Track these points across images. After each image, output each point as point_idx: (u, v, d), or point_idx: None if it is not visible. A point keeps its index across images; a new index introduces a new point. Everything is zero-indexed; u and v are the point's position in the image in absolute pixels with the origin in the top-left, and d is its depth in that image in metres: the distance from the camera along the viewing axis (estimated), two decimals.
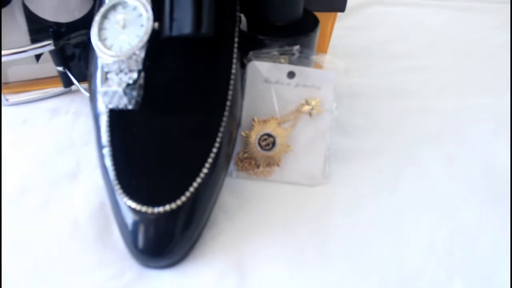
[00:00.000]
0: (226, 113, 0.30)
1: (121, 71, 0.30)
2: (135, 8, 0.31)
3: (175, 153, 0.29)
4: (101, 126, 0.31)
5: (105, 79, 0.31)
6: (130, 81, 0.29)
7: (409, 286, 0.29)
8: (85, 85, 0.40)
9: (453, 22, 0.59)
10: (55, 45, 0.39)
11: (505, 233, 0.32)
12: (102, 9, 0.31)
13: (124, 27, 0.31)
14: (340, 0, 0.41)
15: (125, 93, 0.29)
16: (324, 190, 0.35)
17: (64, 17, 0.42)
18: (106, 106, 0.30)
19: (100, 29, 0.31)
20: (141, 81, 0.30)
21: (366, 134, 0.40)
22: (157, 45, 0.30)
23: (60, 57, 0.39)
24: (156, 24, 0.30)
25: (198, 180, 0.28)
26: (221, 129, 0.30)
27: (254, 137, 0.34)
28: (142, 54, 0.30)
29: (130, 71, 0.30)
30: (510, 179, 0.37)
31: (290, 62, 0.35)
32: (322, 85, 0.35)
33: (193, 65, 0.31)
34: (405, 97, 0.45)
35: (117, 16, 0.31)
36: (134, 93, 0.29)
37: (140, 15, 0.30)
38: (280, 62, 0.35)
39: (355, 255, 0.31)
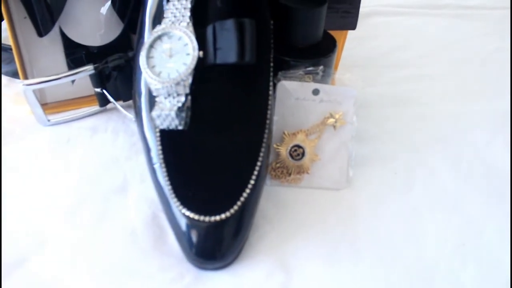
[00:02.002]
0: (266, 130, 0.34)
1: (169, 95, 0.33)
2: (180, 38, 0.34)
3: (224, 167, 0.33)
4: (152, 145, 0.35)
5: (155, 102, 0.34)
6: (179, 104, 0.33)
7: (429, 273, 0.33)
8: (120, 102, 0.44)
9: (448, 30, 0.64)
10: (95, 68, 0.42)
11: (507, 225, 0.37)
12: (149, 40, 0.34)
13: (171, 56, 0.34)
14: (351, 19, 0.45)
15: (176, 115, 0.33)
16: (348, 193, 0.39)
17: (96, 41, 0.45)
18: (157, 127, 0.34)
19: (148, 57, 0.34)
20: (189, 103, 0.34)
21: (379, 141, 0.44)
22: (201, 71, 0.34)
23: (99, 79, 0.42)
24: (201, 53, 0.33)
25: (247, 191, 0.32)
26: (263, 144, 0.34)
27: (285, 149, 0.38)
28: (189, 80, 0.33)
29: (178, 95, 0.33)
30: (510, 177, 0.41)
31: (315, 80, 0.39)
32: (344, 100, 0.39)
33: (235, 88, 0.35)
34: (410, 104, 0.50)
35: (164, 46, 0.34)
36: (183, 114, 0.33)
37: (186, 44, 0.34)
38: (305, 81, 0.39)
39: (381, 248, 0.35)
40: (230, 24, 0.33)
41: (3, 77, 0.50)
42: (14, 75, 0.50)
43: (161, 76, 0.34)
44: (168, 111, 0.32)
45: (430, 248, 0.35)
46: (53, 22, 0.43)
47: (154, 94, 0.34)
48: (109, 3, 0.44)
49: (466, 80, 0.54)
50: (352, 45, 0.57)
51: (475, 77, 0.54)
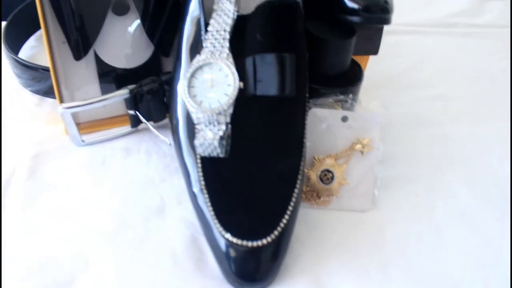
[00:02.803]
0: (303, 158, 0.36)
1: (210, 123, 0.35)
2: (221, 69, 0.36)
3: (263, 193, 0.35)
4: (192, 171, 0.37)
5: (194, 129, 0.36)
6: (221, 133, 0.35)
7: None
8: (152, 123, 0.45)
9: (458, 49, 0.66)
10: (130, 92, 0.43)
11: None
12: (190, 70, 0.36)
13: (212, 86, 0.36)
14: (373, 44, 0.47)
15: (218, 144, 0.34)
16: (374, 215, 0.41)
17: (128, 64, 0.47)
18: (199, 154, 0.36)
19: (189, 87, 0.36)
20: (229, 131, 0.35)
21: (401, 162, 0.46)
22: (241, 100, 0.35)
23: (133, 102, 0.44)
24: (241, 84, 0.35)
25: (286, 217, 0.34)
26: (300, 171, 0.36)
27: (315, 173, 0.40)
28: (230, 110, 0.35)
29: (219, 123, 0.35)
30: None
31: (343, 108, 0.41)
32: (370, 127, 0.41)
33: (273, 117, 0.36)
34: (426, 125, 0.52)
35: (205, 76, 0.36)
36: (224, 143, 0.35)
37: (227, 75, 0.35)
38: (335, 108, 0.40)
39: (407, 267, 0.37)
40: (271, 58, 0.34)
41: (35, 96, 0.51)
42: (46, 93, 0.52)
43: (203, 106, 0.35)
44: (211, 140, 0.34)
45: (452, 268, 0.37)
46: (89, 46, 0.44)
47: (195, 122, 0.36)
48: (137, 21, 0.45)
49: (479, 99, 0.56)
50: (368, 65, 0.59)
51: (487, 96, 0.56)
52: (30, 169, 0.43)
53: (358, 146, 0.41)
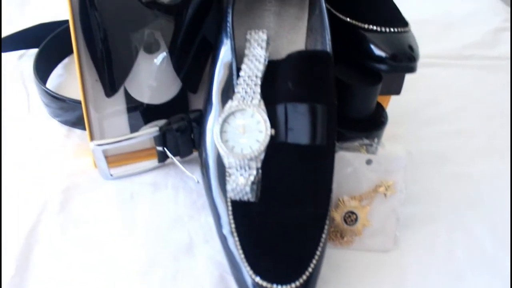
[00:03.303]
0: (331, 203, 0.37)
1: (241, 168, 0.36)
2: (253, 116, 0.37)
3: (292, 238, 0.36)
4: (222, 213, 0.38)
5: (225, 172, 0.37)
6: (252, 179, 0.36)
7: None
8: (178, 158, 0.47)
9: (474, 82, 0.67)
10: (159, 130, 0.45)
11: None
12: (223, 115, 0.37)
13: (244, 132, 0.37)
14: (396, 85, 0.48)
15: (250, 190, 0.35)
16: (395, 255, 0.42)
17: (156, 99, 0.48)
18: (230, 198, 0.37)
19: (222, 132, 0.37)
20: (260, 176, 0.36)
21: (422, 201, 0.47)
22: (272, 146, 0.37)
23: (162, 140, 0.45)
24: (273, 131, 0.36)
25: (314, 261, 0.35)
26: (327, 216, 0.37)
27: (340, 214, 0.41)
28: (261, 156, 0.36)
29: (250, 168, 0.36)
30: None
31: (368, 151, 0.42)
32: (394, 170, 0.42)
33: (303, 163, 0.38)
34: (445, 162, 0.53)
35: (237, 122, 0.37)
36: (255, 187, 0.36)
37: (258, 122, 0.37)
38: (360, 152, 0.42)
39: None
40: (303, 108, 0.36)
41: (63, 126, 0.53)
42: (74, 124, 0.53)
43: (234, 151, 0.36)
44: (243, 186, 0.35)
45: None
46: (120, 84, 0.46)
47: (227, 166, 0.37)
48: (166, 59, 0.47)
49: (498, 135, 0.57)
50: None
51: (506, 132, 0.57)
52: (61, 203, 0.44)
53: (382, 189, 0.42)
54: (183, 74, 0.48)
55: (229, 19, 0.39)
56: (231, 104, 0.37)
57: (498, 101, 0.64)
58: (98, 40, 0.43)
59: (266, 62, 0.39)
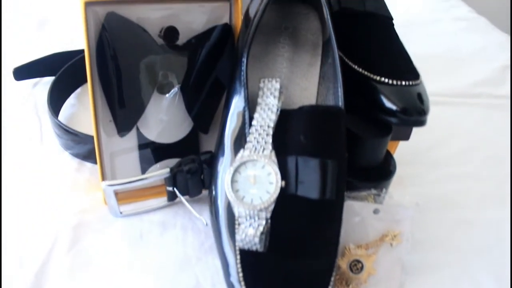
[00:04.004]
0: (338, 255, 0.38)
1: (251, 217, 0.37)
2: (263, 167, 0.38)
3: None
4: (231, 261, 0.38)
5: (234, 219, 0.38)
6: (261, 229, 0.36)
7: None
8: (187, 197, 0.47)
9: (482, 122, 0.68)
10: (170, 171, 0.45)
11: None
12: (235, 164, 0.38)
13: (254, 182, 0.38)
14: (405, 132, 0.48)
15: (258, 240, 0.36)
16: None
17: (168, 139, 0.49)
18: (238, 246, 0.37)
19: (233, 181, 0.38)
20: (269, 226, 0.37)
21: (427, 247, 0.47)
22: (281, 196, 0.37)
23: (172, 181, 0.46)
24: (283, 183, 0.37)
25: None
26: (334, 268, 0.37)
27: (346, 262, 0.42)
28: (271, 208, 0.37)
29: (259, 218, 0.37)
30: None
31: (375, 200, 0.42)
32: (401, 220, 0.42)
33: (312, 216, 0.38)
34: (451, 208, 0.53)
35: (248, 172, 0.38)
36: (263, 237, 0.37)
37: (269, 173, 0.37)
38: (367, 201, 0.42)
39: None
40: (314, 163, 0.36)
41: (74, 159, 0.54)
42: (85, 158, 0.54)
43: (245, 201, 0.37)
44: (252, 237, 0.36)
45: None
46: (133, 125, 0.47)
47: (236, 215, 0.38)
48: (179, 99, 0.47)
49: (504, 180, 0.57)
50: None
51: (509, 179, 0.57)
52: (71, 241, 0.44)
53: (388, 238, 0.42)
54: (195, 115, 0.49)
55: (243, 68, 0.40)
56: (242, 154, 0.38)
57: (507, 142, 0.64)
58: (113, 81, 0.44)
59: (279, 112, 0.39)
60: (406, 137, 0.48)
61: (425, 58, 0.82)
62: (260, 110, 0.40)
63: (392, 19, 0.50)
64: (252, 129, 0.39)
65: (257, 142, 0.38)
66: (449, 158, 0.61)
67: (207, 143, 0.50)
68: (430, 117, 0.66)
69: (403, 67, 0.44)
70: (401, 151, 0.57)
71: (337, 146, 0.38)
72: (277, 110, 0.40)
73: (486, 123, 0.68)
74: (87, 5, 0.41)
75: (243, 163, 0.38)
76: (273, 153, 0.38)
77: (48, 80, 0.65)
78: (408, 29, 0.91)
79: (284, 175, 0.37)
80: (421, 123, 0.41)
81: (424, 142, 0.62)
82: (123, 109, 0.45)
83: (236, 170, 0.38)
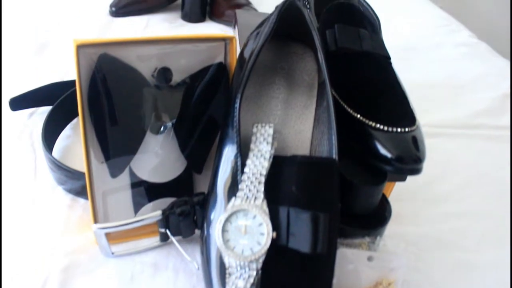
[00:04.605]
0: None
1: (241, 268, 0.36)
2: (255, 217, 0.37)
3: None
4: None
5: (227, 272, 0.37)
6: (251, 280, 0.36)
7: None
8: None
9: (482, 155, 0.67)
10: (162, 214, 0.45)
11: None
12: (226, 214, 0.37)
13: (245, 233, 0.37)
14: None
15: None
16: None
17: (161, 178, 0.49)
18: None
19: (224, 231, 0.37)
20: (259, 276, 0.36)
21: None
22: (272, 247, 0.36)
23: (165, 223, 0.45)
24: (274, 234, 0.36)
25: None
26: None
27: None
28: (262, 259, 0.36)
29: (250, 269, 0.36)
30: None
31: (369, 248, 0.41)
32: (395, 267, 0.42)
33: (303, 269, 0.37)
34: (450, 248, 0.52)
35: (239, 222, 0.37)
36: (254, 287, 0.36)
37: (260, 224, 0.37)
38: (361, 248, 0.41)
39: None
40: (306, 216, 0.36)
41: (67, 195, 0.53)
42: (78, 194, 0.53)
43: (235, 252, 0.36)
44: None
45: None
46: (126, 165, 0.46)
47: (227, 265, 0.37)
48: (172, 138, 0.47)
49: (505, 218, 0.56)
50: None
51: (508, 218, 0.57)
52: (60, 283, 0.44)
53: (382, 287, 0.41)
54: (188, 154, 0.48)
55: (236, 114, 0.40)
56: (233, 203, 0.37)
57: (507, 178, 0.63)
58: (105, 123, 0.44)
59: (271, 159, 0.39)
60: (403, 179, 0.48)
61: (426, 86, 0.82)
62: (252, 156, 0.39)
63: (389, 58, 0.50)
64: (244, 177, 0.38)
65: (249, 190, 0.38)
66: (448, 195, 0.60)
67: (202, 182, 0.50)
68: (429, 150, 0.65)
69: (399, 111, 0.43)
70: (398, 187, 0.56)
71: (329, 199, 0.37)
72: (270, 157, 0.39)
73: (485, 157, 0.68)
74: (79, 48, 0.41)
75: (234, 213, 0.37)
76: (264, 203, 0.37)
77: (44, 110, 0.65)
78: (409, 54, 0.92)
79: (275, 226, 0.36)
80: (416, 171, 0.40)
81: (422, 177, 0.61)
82: (116, 151, 0.45)
83: (227, 220, 0.37)
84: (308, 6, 0.63)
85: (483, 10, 1.69)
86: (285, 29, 0.45)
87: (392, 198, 0.53)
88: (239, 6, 0.96)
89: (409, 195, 0.58)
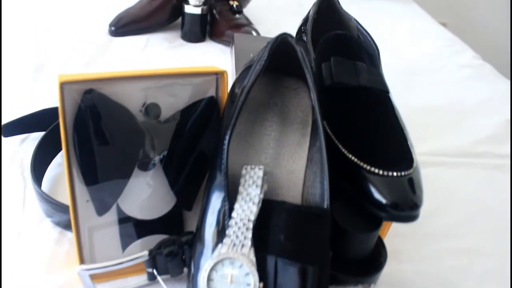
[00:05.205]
0: None
1: None
2: (241, 266, 0.35)
3: None
4: None
5: None
6: None
7: None
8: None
9: (485, 186, 0.65)
10: (149, 254, 0.43)
11: None
12: (211, 262, 0.36)
13: (231, 282, 0.35)
14: None
15: None
16: None
17: (149, 215, 0.47)
18: None
19: (209, 279, 0.36)
20: None
21: None
22: None
23: (152, 263, 0.44)
24: (261, 285, 0.35)
25: None
26: None
27: None
28: None
29: None
30: None
31: None
32: None
33: None
34: None
35: (225, 270, 0.35)
36: None
37: (247, 274, 0.35)
38: None
39: None
40: (294, 268, 0.34)
41: (55, 228, 0.52)
42: (66, 227, 0.52)
43: None
44: None
45: None
46: (112, 203, 0.45)
47: None
48: (161, 175, 0.46)
49: (506, 256, 0.54)
50: None
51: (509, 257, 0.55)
52: None
53: None
54: (178, 191, 0.47)
55: (224, 156, 0.38)
56: (220, 251, 0.36)
57: (507, 213, 0.61)
58: (91, 160, 0.42)
59: (260, 204, 0.37)
60: None
61: (427, 111, 0.81)
62: (241, 200, 0.38)
63: (388, 92, 0.48)
64: (232, 222, 0.37)
65: (236, 237, 0.36)
66: (448, 230, 0.58)
67: (193, 218, 0.48)
68: (429, 181, 0.64)
69: (396, 153, 0.41)
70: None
71: (319, 250, 0.35)
72: (259, 201, 0.37)
73: (488, 188, 0.66)
74: (63, 84, 0.39)
75: (220, 261, 0.36)
76: (252, 251, 0.35)
77: (37, 136, 0.64)
78: (411, 76, 0.90)
79: (262, 276, 0.35)
80: (413, 218, 0.38)
81: (420, 210, 0.60)
82: (102, 189, 0.43)
83: (212, 268, 0.36)
84: (304, 31, 0.62)
85: (488, 26, 1.67)
86: (277, 64, 0.43)
87: (389, 233, 0.51)
88: (240, 26, 0.95)
89: (407, 230, 0.56)
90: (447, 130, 0.77)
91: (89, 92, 0.41)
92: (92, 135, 0.42)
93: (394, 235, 0.54)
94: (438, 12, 1.29)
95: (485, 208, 0.62)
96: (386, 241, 0.47)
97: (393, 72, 0.90)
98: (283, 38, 0.41)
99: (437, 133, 0.75)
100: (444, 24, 1.21)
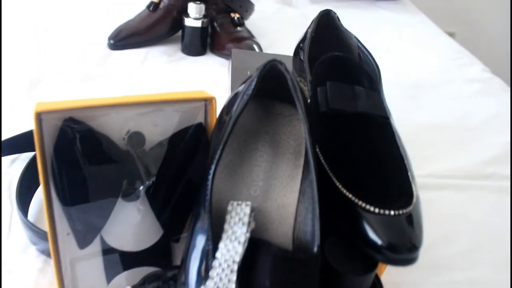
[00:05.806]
0: None
1: None
2: None
3: None
4: None
5: None
6: None
7: None
8: None
9: (494, 210, 0.62)
10: None
11: None
12: None
13: None
14: None
15: None
16: None
17: (135, 246, 0.45)
18: None
19: None
20: None
21: None
22: None
23: None
24: None
25: None
26: None
27: None
28: None
29: None
30: None
31: None
32: None
33: None
34: None
35: None
36: None
37: None
38: None
39: None
40: None
41: (40, 256, 0.50)
42: (50, 255, 0.50)
43: None
44: None
45: None
46: (95, 236, 0.42)
47: None
48: (146, 206, 0.44)
49: None
50: None
51: None
52: None
53: None
54: (165, 222, 0.44)
55: (208, 192, 0.36)
56: None
57: None
58: (71, 193, 0.40)
59: (246, 244, 0.35)
60: None
61: (433, 128, 0.78)
62: (226, 239, 0.35)
63: (388, 118, 0.45)
64: (215, 263, 0.34)
65: (220, 279, 0.34)
66: (453, 260, 0.55)
67: (182, 249, 0.46)
68: (434, 206, 0.61)
69: (395, 188, 0.39)
70: None
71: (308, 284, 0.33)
72: (245, 241, 0.35)
73: (497, 213, 0.62)
74: (39, 115, 0.37)
75: None
76: None
77: (27, 157, 0.62)
78: (418, 90, 0.87)
79: None
80: (411, 261, 0.35)
81: (426, 239, 0.57)
82: (83, 221, 0.41)
83: None
84: (302, 48, 0.59)
85: (498, 35, 1.63)
86: (268, 90, 0.41)
87: (391, 272, 0.48)
88: (241, 39, 0.93)
89: None
90: (454, 149, 0.74)
91: (68, 119, 0.39)
92: (72, 165, 0.40)
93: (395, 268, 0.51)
94: (446, 22, 1.26)
95: (494, 235, 0.59)
96: (385, 272, 0.45)
97: (399, 85, 0.87)
98: (272, 65, 0.38)
99: (442, 152, 0.72)
100: (452, 34, 1.18)
